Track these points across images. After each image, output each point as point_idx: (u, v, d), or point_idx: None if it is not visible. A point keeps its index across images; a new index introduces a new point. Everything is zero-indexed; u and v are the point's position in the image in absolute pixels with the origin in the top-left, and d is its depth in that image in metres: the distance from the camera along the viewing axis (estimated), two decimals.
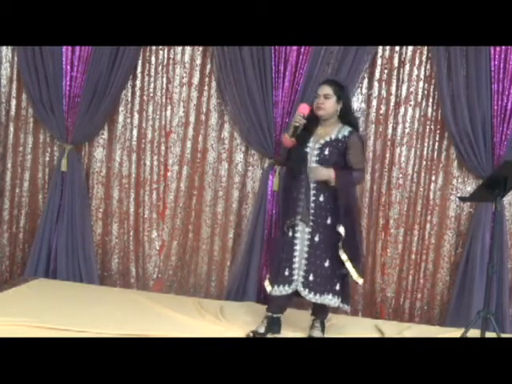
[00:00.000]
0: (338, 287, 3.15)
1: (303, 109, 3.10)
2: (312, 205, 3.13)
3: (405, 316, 4.03)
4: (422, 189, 4.02)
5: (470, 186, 3.97)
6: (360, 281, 3.17)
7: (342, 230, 3.08)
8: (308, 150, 3.16)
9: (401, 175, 4.03)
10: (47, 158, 4.37)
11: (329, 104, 3.14)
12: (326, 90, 3.15)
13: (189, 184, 4.24)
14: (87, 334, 3.00)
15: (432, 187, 4.00)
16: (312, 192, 3.13)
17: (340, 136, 3.15)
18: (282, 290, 3.17)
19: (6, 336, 2.73)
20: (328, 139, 3.15)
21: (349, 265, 3.12)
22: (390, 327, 3.62)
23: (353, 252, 3.13)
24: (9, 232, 4.40)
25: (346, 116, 3.20)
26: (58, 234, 4.19)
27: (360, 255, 3.22)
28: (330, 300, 3.14)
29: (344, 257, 3.11)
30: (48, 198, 4.24)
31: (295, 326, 3.41)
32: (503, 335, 3.37)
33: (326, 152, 3.12)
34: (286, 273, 3.16)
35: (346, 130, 3.16)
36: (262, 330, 3.27)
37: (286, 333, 3.33)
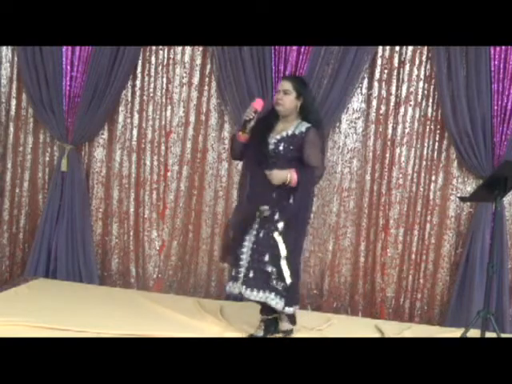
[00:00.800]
0: (279, 286, 3.05)
1: (257, 104, 3.07)
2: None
3: (405, 316, 4.03)
4: (421, 189, 4.02)
5: (470, 186, 3.97)
6: (288, 281, 3.03)
7: (280, 225, 3.04)
8: (264, 144, 3.11)
9: (401, 175, 4.03)
10: (47, 158, 4.37)
11: (287, 100, 3.11)
12: (286, 85, 3.12)
13: (189, 184, 4.24)
14: (87, 334, 2.99)
15: (432, 187, 4.00)
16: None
17: (297, 132, 3.11)
18: (230, 288, 3.15)
19: (5, 336, 2.73)
20: (284, 135, 3.11)
21: (283, 262, 3.03)
22: (389, 327, 3.62)
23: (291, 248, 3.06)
24: (9, 232, 4.41)
25: (306, 112, 3.15)
26: (57, 234, 4.19)
27: (297, 258, 3.15)
28: (273, 300, 3.05)
29: (283, 253, 3.03)
30: (48, 198, 4.24)
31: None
32: (503, 335, 3.37)
33: (281, 148, 3.08)
34: (234, 271, 3.14)
35: (304, 126, 3.12)
36: (260, 333, 3.24)
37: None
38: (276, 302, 3.06)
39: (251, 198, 3.12)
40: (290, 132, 3.12)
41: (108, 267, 4.33)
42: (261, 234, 3.09)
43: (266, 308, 3.20)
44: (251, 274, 3.06)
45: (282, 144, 3.09)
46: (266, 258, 3.06)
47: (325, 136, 3.56)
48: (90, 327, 3.09)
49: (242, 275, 3.10)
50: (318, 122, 3.19)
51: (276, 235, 3.04)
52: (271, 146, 3.10)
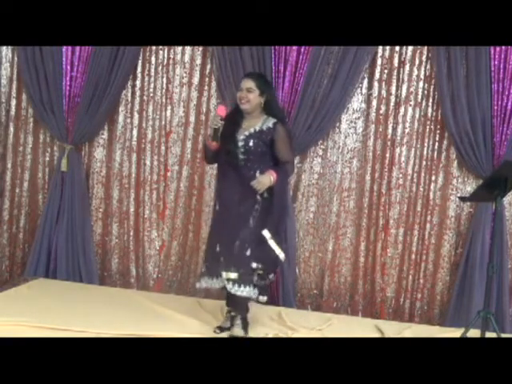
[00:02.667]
0: (252, 276, 3.15)
1: (220, 111, 3.14)
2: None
3: (405, 316, 4.03)
4: (421, 189, 4.02)
5: (470, 186, 3.97)
6: (282, 255, 3.19)
7: (266, 233, 3.14)
8: (234, 142, 3.17)
9: (401, 175, 4.03)
10: (47, 158, 4.37)
11: (252, 97, 3.17)
12: (249, 83, 3.18)
13: (189, 184, 4.24)
14: (87, 334, 2.99)
15: (432, 187, 4.00)
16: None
17: (264, 127, 3.19)
18: (215, 283, 3.22)
19: (5, 336, 2.73)
20: (252, 131, 3.19)
21: (272, 242, 3.15)
22: (389, 327, 3.62)
23: (276, 233, 3.18)
24: (9, 232, 4.41)
25: (270, 108, 3.23)
26: (57, 234, 4.18)
27: (282, 237, 3.32)
28: (232, 287, 3.11)
29: (267, 235, 3.13)
30: (48, 198, 4.24)
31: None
32: (503, 335, 3.37)
33: (251, 144, 3.15)
34: (215, 264, 3.20)
35: (271, 122, 3.20)
36: (227, 324, 3.31)
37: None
38: (235, 290, 3.12)
39: (228, 197, 3.20)
40: (257, 128, 3.19)
41: (108, 267, 4.33)
42: (238, 228, 3.14)
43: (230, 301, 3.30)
44: (222, 259, 3.16)
45: (252, 140, 3.16)
46: (248, 252, 3.13)
47: (290, 130, 3.62)
48: (90, 327, 3.09)
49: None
50: (282, 116, 3.31)
51: (271, 243, 3.15)
52: (241, 143, 3.17)
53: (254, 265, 3.14)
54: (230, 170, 3.18)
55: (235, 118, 3.21)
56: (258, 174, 3.14)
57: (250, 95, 3.17)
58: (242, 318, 3.26)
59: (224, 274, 3.13)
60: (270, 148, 3.18)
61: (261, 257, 3.15)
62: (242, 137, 3.17)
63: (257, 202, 3.15)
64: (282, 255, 3.20)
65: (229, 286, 3.12)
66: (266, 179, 3.11)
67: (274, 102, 3.30)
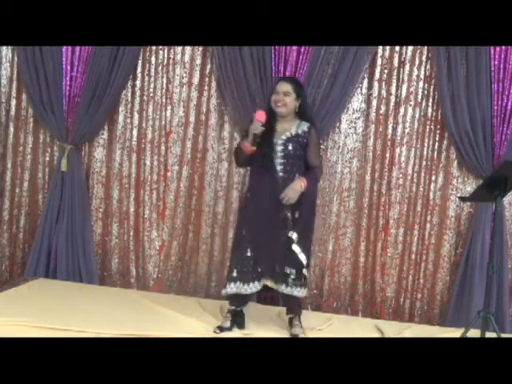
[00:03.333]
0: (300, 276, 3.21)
1: (260, 116, 3.13)
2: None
3: (405, 316, 4.03)
4: (421, 189, 4.02)
5: (470, 186, 3.97)
6: (303, 258, 3.19)
7: (294, 236, 3.16)
8: (271, 146, 3.19)
9: (401, 175, 4.03)
10: (47, 158, 4.37)
11: (288, 101, 3.20)
12: (286, 87, 3.21)
13: (189, 184, 4.24)
14: (87, 334, 2.99)
15: (432, 187, 4.00)
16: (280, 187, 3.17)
17: (300, 131, 3.24)
18: (251, 288, 3.21)
19: (5, 336, 2.73)
20: (289, 135, 3.22)
21: (295, 245, 3.17)
22: (389, 327, 3.62)
23: (303, 236, 3.21)
24: (9, 232, 4.40)
25: (304, 113, 3.28)
26: (57, 234, 4.18)
27: (309, 240, 3.34)
28: (297, 290, 3.21)
29: (295, 237, 3.16)
30: (48, 198, 4.23)
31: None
32: (503, 335, 3.37)
33: (290, 147, 3.20)
34: (250, 269, 3.20)
35: (305, 126, 3.25)
36: (227, 324, 3.31)
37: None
38: (298, 291, 3.22)
39: (265, 202, 3.18)
40: (293, 132, 3.23)
41: (108, 267, 4.33)
42: (277, 234, 3.17)
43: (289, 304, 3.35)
44: (277, 269, 3.18)
45: (290, 144, 3.20)
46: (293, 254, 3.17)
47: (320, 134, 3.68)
48: (90, 327, 3.09)
49: (260, 270, 3.19)
50: (314, 121, 3.36)
51: (294, 246, 3.17)
52: (280, 147, 3.20)
53: (287, 270, 3.19)
54: (266, 173, 3.18)
55: (270, 121, 3.20)
56: (296, 177, 3.19)
57: (287, 99, 3.20)
58: (300, 317, 3.35)
59: (268, 280, 3.19)
60: (304, 151, 3.22)
61: (293, 261, 3.19)
62: (280, 141, 3.20)
63: (292, 207, 3.18)
64: (303, 258, 3.19)
65: (287, 289, 3.18)
66: (297, 186, 3.15)
67: (308, 106, 3.36)
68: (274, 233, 3.18)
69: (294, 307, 3.35)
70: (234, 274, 3.22)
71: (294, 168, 3.21)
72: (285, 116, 3.24)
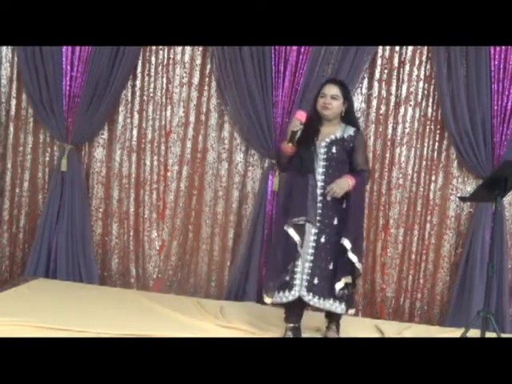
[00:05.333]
0: (344, 293, 3.09)
1: (300, 116, 3.06)
2: (319, 205, 3.08)
3: (405, 316, 4.03)
4: (421, 189, 4.02)
5: (470, 186, 3.97)
6: (359, 266, 3.08)
7: (347, 243, 3.04)
8: (313, 148, 3.12)
9: (401, 175, 4.03)
10: (47, 158, 4.37)
11: (336, 104, 3.13)
12: (335, 90, 3.13)
13: (189, 184, 4.24)
14: (87, 334, 2.99)
15: (432, 187, 4.00)
16: (319, 191, 3.09)
17: (345, 135, 3.15)
18: (283, 297, 3.09)
19: (5, 336, 2.73)
20: (334, 138, 3.14)
21: (351, 253, 3.05)
22: (390, 327, 3.62)
23: (356, 243, 3.09)
24: (9, 232, 4.40)
25: (350, 117, 3.21)
26: (57, 234, 4.18)
27: (361, 248, 3.24)
28: (334, 306, 3.09)
29: (348, 245, 3.04)
30: (48, 198, 4.23)
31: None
32: (503, 335, 3.37)
33: (334, 150, 3.12)
34: (287, 278, 3.06)
35: (351, 130, 3.17)
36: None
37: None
38: (340, 308, 3.11)
39: (302, 206, 3.06)
40: (338, 135, 3.15)
41: (108, 267, 4.33)
42: (322, 239, 3.09)
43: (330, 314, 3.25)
44: (316, 281, 3.06)
45: (335, 147, 3.12)
46: (331, 266, 3.08)
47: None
48: (90, 327, 3.09)
49: (298, 282, 3.07)
50: (359, 125, 3.32)
51: (350, 255, 3.04)
52: (323, 149, 3.13)
53: (343, 279, 3.06)
54: (303, 177, 3.08)
55: (313, 123, 3.14)
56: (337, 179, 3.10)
57: (335, 102, 3.12)
58: (338, 322, 3.30)
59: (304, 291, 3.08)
60: (348, 156, 3.14)
61: (346, 269, 3.08)
62: (323, 143, 3.13)
63: (336, 212, 3.10)
64: (359, 265, 3.08)
65: (320, 302, 3.07)
66: (344, 183, 3.05)
67: (353, 110, 3.29)
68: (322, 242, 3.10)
69: (334, 315, 3.26)
70: (276, 284, 3.09)
71: (337, 172, 3.09)
72: (330, 119, 3.16)
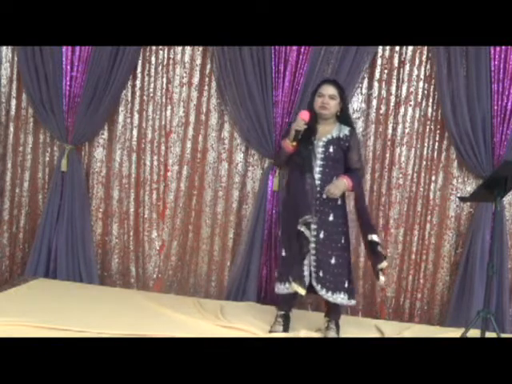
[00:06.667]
0: (346, 285, 3.24)
1: (304, 115, 3.13)
2: (317, 202, 3.19)
3: (405, 316, 4.03)
4: (421, 189, 4.02)
5: (470, 186, 3.97)
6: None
7: (375, 237, 3.23)
8: (311, 147, 3.20)
9: (401, 175, 4.03)
10: (47, 158, 4.37)
11: (333, 104, 3.22)
12: (332, 90, 3.22)
13: (189, 184, 4.24)
14: (87, 334, 2.99)
15: (432, 187, 4.00)
16: (317, 189, 3.18)
17: (341, 135, 3.24)
18: (295, 287, 3.17)
19: (5, 336, 2.73)
20: (330, 137, 3.24)
21: (380, 248, 3.25)
22: (389, 327, 3.62)
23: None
24: (9, 232, 4.40)
25: (345, 116, 3.30)
26: (57, 234, 4.18)
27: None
28: (342, 299, 3.23)
29: (377, 239, 3.24)
30: (48, 198, 4.23)
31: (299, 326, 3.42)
32: (503, 335, 3.37)
33: (331, 150, 3.21)
34: (300, 270, 3.19)
35: (346, 129, 3.26)
36: (279, 329, 3.31)
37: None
38: (342, 299, 3.24)
39: (302, 203, 3.16)
40: (334, 134, 3.24)
41: (108, 267, 4.33)
42: (321, 235, 3.20)
43: (331, 309, 3.35)
44: (321, 274, 3.19)
45: (332, 146, 3.22)
46: (333, 260, 3.20)
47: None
48: (90, 327, 3.09)
49: (307, 273, 3.19)
50: (353, 124, 3.40)
51: (380, 248, 3.24)
52: (321, 149, 3.21)
53: (338, 270, 3.21)
54: (303, 176, 3.17)
55: (311, 123, 3.20)
56: (334, 180, 3.21)
57: (332, 102, 3.21)
58: (337, 321, 3.35)
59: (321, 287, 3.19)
60: (344, 155, 3.24)
61: (345, 262, 3.24)
62: (321, 143, 3.22)
63: (332, 209, 3.21)
64: (385, 252, 3.32)
65: (327, 295, 3.20)
66: (341, 184, 3.17)
67: (348, 109, 3.38)
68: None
69: (334, 312, 3.35)
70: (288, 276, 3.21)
71: (333, 171, 3.21)
72: (327, 119, 3.25)
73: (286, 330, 3.33)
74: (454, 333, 3.43)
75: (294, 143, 3.16)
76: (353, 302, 3.33)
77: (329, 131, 3.25)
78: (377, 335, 3.49)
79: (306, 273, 3.19)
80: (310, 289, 3.22)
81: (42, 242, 4.20)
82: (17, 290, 3.79)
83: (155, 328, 3.21)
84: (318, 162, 3.20)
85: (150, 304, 3.71)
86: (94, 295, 3.86)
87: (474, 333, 3.14)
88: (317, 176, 3.19)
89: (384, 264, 3.23)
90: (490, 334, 3.11)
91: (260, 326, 3.39)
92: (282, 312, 3.37)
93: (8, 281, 4.27)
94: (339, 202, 3.26)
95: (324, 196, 3.19)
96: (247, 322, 3.43)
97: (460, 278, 3.86)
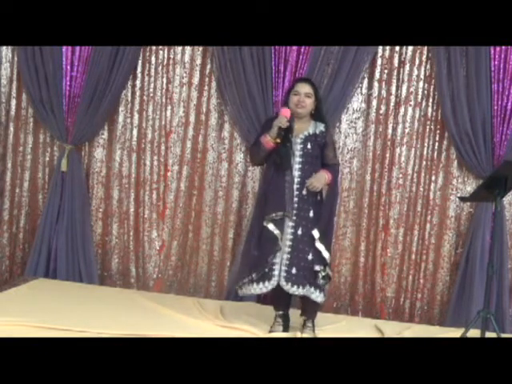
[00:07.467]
0: (320, 281, 3.22)
1: (285, 112, 3.16)
2: (295, 199, 3.19)
3: (405, 316, 4.03)
4: (421, 189, 4.02)
5: (470, 186, 3.97)
6: (327, 255, 3.19)
7: (315, 233, 3.17)
8: (289, 145, 3.21)
9: (401, 175, 4.03)
10: (47, 158, 4.37)
11: (309, 102, 3.25)
12: (307, 88, 3.25)
13: (189, 184, 4.24)
14: (87, 334, 2.99)
15: (432, 187, 4.00)
16: (295, 186, 3.19)
17: (317, 131, 3.28)
18: (263, 288, 3.18)
19: (5, 336, 2.73)
20: (307, 134, 3.26)
21: (318, 243, 3.18)
22: (390, 327, 3.62)
23: (325, 233, 3.22)
24: (9, 232, 4.40)
25: (319, 113, 3.33)
26: (57, 234, 4.18)
27: (330, 237, 3.35)
28: (313, 293, 3.18)
29: (317, 234, 3.17)
30: (48, 198, 4.23)
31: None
32: (503, 335, 3.37)
33: (309, 146, 3.24)
34: (266, 269, 3.16)
35: (321, 126, 3.30)
36: (279, 329, 3.31)
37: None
38: (316, 296, 3.20)
39: (279, 199, 3.18)
40: (311, 131, 3.28)
41: (108, 267, 4.33)
42: (299, 232, 3.18)
43: (306, 307, 3.32)
44: (294, 271, 3.15)
45: (309, 143, 3.25)
46: (310, 256, 3.18)
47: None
48: (90, 327, 3.08)
49: (277, 272, 3.16)
50: (327, 121, 3.41)
51: (317, 244, 3.18)
52: (299, 146, 3.24)
53: (317, 267, 3.19)
54: (282, 173, 3.18)
55: (291, 120, 3.21)
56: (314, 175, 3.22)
57: (308, 100, 3.24)
58: (313, 321, 3.34)
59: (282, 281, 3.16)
60: (321, 151, 3.27)
61: (320, 258, 3.20)
62: (298, 140, 3.24)
63: (312, 205, 3.21)
64: (326, 254, 3.20)
65: (299, 290, 3.15)
66: (322, 177, 3.20)
67: (322, 107, 3.39)
68: (298, 233, 3.19)
69: (310, 310, 3.33)
70: (254, 277, 3.18)
71: (312, 167, 3.23)
72: (302, 117, 3.27)
73: (285, 329, 3.33)
74: (454, 333, 3.43)
75: (278, 140, 3.16)
76: (321, 298, 3.24)
77: (305, 128, 3.27)
78: (377, 335, 3.48)
79: (276, 272, 3.16)
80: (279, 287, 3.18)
81: (42, 242, 4.19)
82: (17, 290, 3.79)
83: (155, 328, 3.21)
84: (297, 159, 3.22)
85: (150, 304, 3.71)
86: (94, 295, 3.86)
87: (474, 333, 3.14)
88: (296, 173, 3.21)
89: (320, 267, 3.18)
90: (489, 334, 3.11)
91: (260, 326, 3.39)
92: (280, 312, 3.36)
93: (8, 281, 4.27)
94: (318, 198, 3.26)
95: (304, 192, 3.19)
96: (247, 322, 3.43)
97: (460, 278, 3.86)
